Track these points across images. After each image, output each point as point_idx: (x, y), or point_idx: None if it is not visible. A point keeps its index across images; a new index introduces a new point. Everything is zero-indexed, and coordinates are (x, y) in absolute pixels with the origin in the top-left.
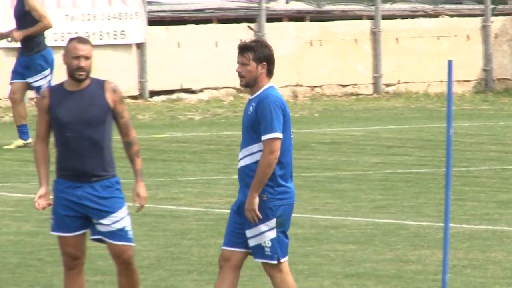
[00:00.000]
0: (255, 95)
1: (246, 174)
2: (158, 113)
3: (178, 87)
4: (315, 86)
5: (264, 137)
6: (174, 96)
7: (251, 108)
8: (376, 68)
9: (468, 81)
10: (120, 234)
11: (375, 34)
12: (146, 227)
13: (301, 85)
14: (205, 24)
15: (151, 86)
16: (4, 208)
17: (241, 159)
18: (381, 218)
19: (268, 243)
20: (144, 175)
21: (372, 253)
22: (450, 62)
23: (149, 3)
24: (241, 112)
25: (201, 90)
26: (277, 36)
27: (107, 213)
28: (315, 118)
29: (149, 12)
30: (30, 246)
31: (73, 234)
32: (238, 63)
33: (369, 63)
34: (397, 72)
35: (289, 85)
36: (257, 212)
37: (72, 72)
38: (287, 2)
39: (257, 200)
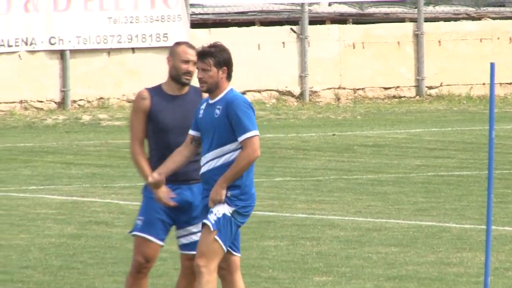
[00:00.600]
0: (217, 98)
1: (213, 179)
2: None
3: None
4: (358, 89)
5: (243, 137)
6: None
7: (217, 111)
8: (419, 70)
9: (510, 83)
10: None
11: (417, 37)
12: None
13: (344, 88)
14: (248, 26)
15: None
16: (46, 210)
17: (207, 162)
18: (423, 220)
19: (219, 214)
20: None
21: (414, 255)
22: (492, 65)
23: (192, 5)
24: (283, 114)
25: (243, 93)
26: (319, 38)
27: (198, 219)
28: (358, 121)
29: (191, 14)
30: (72, 249)
31: (158, 239)
32: (198, 68)
33: (411, 66)
34: (439, 74)
35: (332, 88)
36: (221, 197)
37: (179, 76)
38: (329, 5)
39: (224, 192)
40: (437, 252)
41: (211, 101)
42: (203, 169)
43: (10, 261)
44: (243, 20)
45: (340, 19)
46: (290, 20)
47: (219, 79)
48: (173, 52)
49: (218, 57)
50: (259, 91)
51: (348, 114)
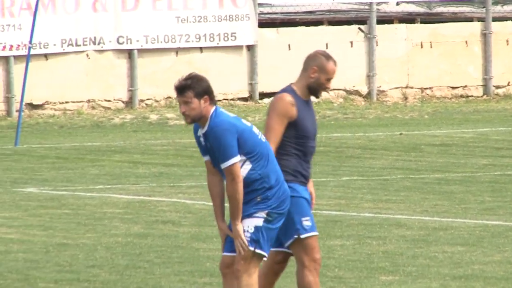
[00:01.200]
0: (205, 127)
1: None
2: None
3: None
4: (425, 88)
5: (223, 166)
6: None
7: (207, 142)
8: (486, 70)
9: None
10: None
11: (485, 36)
12: None
13: (411, 87)
14: (316, 26)
15: (261, 88)
16: (113, 209)
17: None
18: (490, 220)
19: (251, 229)
20: None
21: (481, 255)
22: None
23: (260, 5)
24: (351, 114)
25: None
26: (387, 38)
27: None
28: (425, 120)
29: (260, 14)
30: (139, 248)
31: None
32: (178, 102)
33: (479, 65)
34: (507, 74)
35: (399, 87)
36: (244, 239)
37: (318, 90)
38: (397, 4)
39: (240, 227)
40: (503, 251)
41: (202, 131)
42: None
43: (77, 260)
44: (311, 20)
45: (408, 19)
46: (358, 19)
47: (202, 109)
48: (322, 67)
49: (196, 88)
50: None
51: (415, 113)
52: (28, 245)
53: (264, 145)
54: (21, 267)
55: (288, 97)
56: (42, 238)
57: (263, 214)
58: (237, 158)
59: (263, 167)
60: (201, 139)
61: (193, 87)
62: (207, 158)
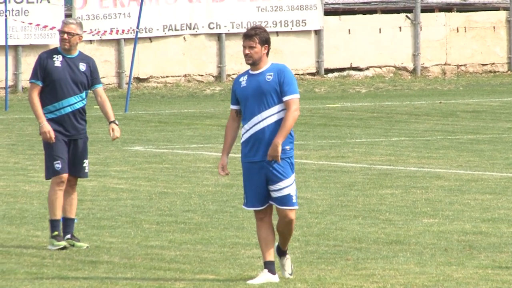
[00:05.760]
0: (262, 69)
1: (265, 135)
2: (332, 87)
3: (348, 66)
4: (460, 65)
5: (291, 97)
6: (345, 73)
7: (269, 77)
8: (511, 50)
9: None
10: None
11: (509, 22)
12: (320, 180)
13: (449, 64)
14: (371, 14)
15: (326, 65)
16: (205, 164)
17: (258, 123)
18: None
19: (294, 192)
20: (319, 138)
21: (505, 201)
22: None
23: None
24: (399, 86)
25: (367, 68)
26: (429, 24)
27: None
28: (460, 91)
29: (325, 4)
30: (226, 196)
31: None
32: (245, 46)
33: (504, 46)
34: None
35: (439, 64)
36: (279, 158)
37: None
38: None
39: (280, 148)
40: None
41: (255, 72)
42: (256, 128)
43: (175, 206)
44: (367, 9)
45: (447, 8)
46: (405, 8)
47: (262, 55)
48: None
49: (261, 36)
50: (379, 67)
51: (452, 85)
52: (135, 193)
53: None
54: (129, 212)
55: None
56: (146, 188)
57: (294, 177)
58: (299, 96)
59: None
60: (243, 82)
61: (259, 35)
62: (234, 107)
